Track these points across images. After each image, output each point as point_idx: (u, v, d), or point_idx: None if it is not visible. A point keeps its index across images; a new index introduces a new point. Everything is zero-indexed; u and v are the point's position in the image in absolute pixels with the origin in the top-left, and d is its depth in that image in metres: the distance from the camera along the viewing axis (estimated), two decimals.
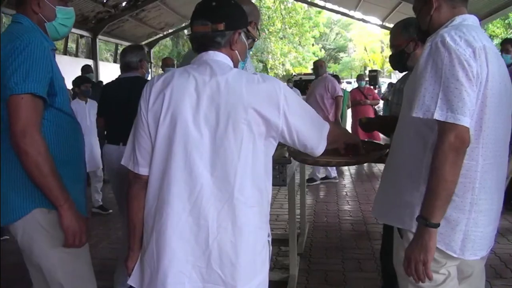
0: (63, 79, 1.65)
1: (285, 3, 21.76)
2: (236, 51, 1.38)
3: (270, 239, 1.45)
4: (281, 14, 21.94)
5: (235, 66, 1.37)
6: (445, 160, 1.28)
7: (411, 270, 1.36)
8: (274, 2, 21.84)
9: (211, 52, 1.32)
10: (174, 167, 1.27)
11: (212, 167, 1.27)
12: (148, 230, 1.35)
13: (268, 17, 21.97)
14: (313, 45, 26.91)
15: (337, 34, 40.58)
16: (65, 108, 1.64)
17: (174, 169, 1.27)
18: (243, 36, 1.38)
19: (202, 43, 1.33)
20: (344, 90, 7.03)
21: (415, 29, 2.07)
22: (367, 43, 34.30)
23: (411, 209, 1.42)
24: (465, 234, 1.39)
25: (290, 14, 21.95)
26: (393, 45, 2.19)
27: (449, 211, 1.35)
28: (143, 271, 1.37)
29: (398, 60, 2.18)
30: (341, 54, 40.16)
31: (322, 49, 30.14)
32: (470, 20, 1.47)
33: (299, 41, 24.02)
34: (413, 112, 1.35)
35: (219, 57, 1.32)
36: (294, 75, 17.12)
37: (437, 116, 1.30)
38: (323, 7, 14.50)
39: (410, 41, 2.08)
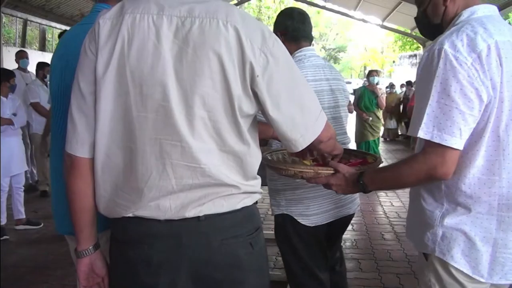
0: None
1: (285, 3, 21.77)
2: None
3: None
4: None
5: None
6: (415, 177, 1.20)
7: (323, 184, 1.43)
8: (274, 2, 21.87)
9: None
10: None
11: None
12: None
13: (268, 17, 22.00)
14: (313, 45, 26.91)
15: (337, 34, 40.58)
16: None
17: None
18: None
19: None
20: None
21: None
22: (367, 43, 34.33)
23: (432, 230, 1.27)
24: (493, 256, 1.22)
25: None
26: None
27: (474, 231, 1.22)
28: None
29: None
30: (341, 54, 40.16)
31: (322, 49, 30.11)
32: (481, 11, 1.26)
33: None
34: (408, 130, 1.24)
35: None
36: None
37: (422, 134, 1.15)
38: (323, 7, 14.49)
39: None
